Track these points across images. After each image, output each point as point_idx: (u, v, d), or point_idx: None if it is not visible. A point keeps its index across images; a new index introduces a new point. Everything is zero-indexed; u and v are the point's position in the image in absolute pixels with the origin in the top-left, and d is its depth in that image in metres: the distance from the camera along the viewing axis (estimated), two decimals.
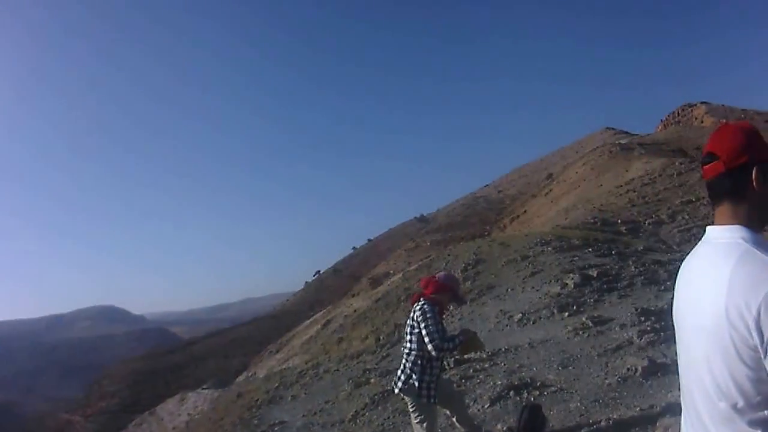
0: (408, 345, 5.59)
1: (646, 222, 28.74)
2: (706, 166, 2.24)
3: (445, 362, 9.79)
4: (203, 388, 30.99)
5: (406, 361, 5.59)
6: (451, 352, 5.61)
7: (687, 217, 28.52)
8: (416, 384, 5.45)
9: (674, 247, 22.78)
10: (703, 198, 33.58)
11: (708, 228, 2.26)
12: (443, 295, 5.70)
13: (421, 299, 5.65)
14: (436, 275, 5.92)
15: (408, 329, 5.65)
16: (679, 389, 2.29)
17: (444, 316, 5.97)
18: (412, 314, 5.63)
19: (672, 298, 2.29)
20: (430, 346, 5.33)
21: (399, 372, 5.66)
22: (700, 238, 2.27)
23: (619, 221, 29.94)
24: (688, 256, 2.31)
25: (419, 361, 5.48)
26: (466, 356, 10.12)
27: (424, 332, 5.38)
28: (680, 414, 2.29)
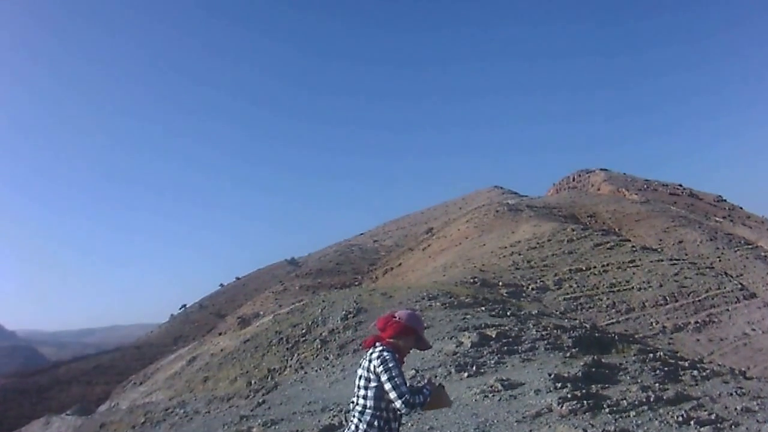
0: (361, 401, 4.56)
1: (530, 287, 28.91)
2: None
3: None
4: (67, 414, 30.62)
5: (360, 421, 4.54)
6: (420, 408, 4.54)
7: (575, 285, 28.56)
8: None
9: (557, 313, 22.99)
10: (595, 267, 33.91)
11: None
12: (405, 339, 4.66)
13: (377, 344, 4.62)
14: (396, 314, 4.77)
15: (361, 382, 4.59)
16: None
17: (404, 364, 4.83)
18: (366, 363, 4.59)
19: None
20: (398, 403, 4.35)
21: None
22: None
23: (501, 283, 30.05)
24: None
25: (376, 423, 4.47)
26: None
27: (388, 386, 4.38)
28: None
